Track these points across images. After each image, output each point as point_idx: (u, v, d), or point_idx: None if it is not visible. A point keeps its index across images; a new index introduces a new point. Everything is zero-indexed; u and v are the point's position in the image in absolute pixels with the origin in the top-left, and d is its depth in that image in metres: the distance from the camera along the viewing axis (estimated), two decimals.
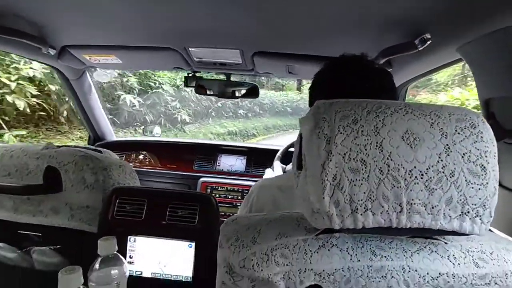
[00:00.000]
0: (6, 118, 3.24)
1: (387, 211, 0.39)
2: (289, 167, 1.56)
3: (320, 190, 0.38)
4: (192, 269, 0.75)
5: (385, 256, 0.44)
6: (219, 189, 1.75)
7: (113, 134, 1.98)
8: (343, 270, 0.43)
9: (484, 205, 0.39)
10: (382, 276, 0.43)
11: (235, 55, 1.20)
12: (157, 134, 2.15)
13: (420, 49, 0.80)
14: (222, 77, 1.52)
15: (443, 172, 0.38)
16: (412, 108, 0.40)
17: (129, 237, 0.78)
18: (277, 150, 1.71)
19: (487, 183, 0.39)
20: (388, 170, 0.38)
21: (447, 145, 0.38)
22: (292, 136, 2.05)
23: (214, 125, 7.96)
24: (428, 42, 0.79)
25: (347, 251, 0.44)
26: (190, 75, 1.49)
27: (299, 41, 1.07)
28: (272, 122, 9.79)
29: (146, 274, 0.77)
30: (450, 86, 4.70)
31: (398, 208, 0.39)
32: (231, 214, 1.62)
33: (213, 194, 1.71)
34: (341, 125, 0.39)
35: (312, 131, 0.40)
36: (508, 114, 0.70)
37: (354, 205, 0.39)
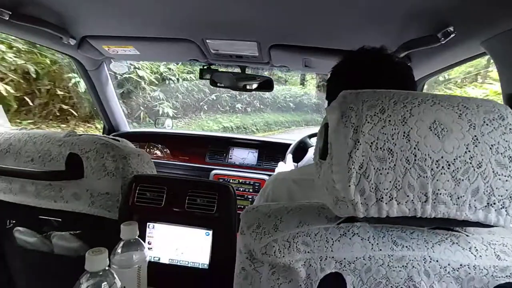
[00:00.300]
0: None
1: (412, 200, 0.39)
2: (300, 164, 1.57)
3: (346, 179, 0.39)
4: (209, 257, 0.76)
5: (406, 246, 0.44)
6: (231, 181, 1.76)
7: (127, 125, 2.01)
8: (364, 259, 0.44)
9: (510, 197, 0.39)
10: (403, 266, 0.44)
11: (252, 48, 1.20)
12: (169, 126, 2.17)
13: (442, 42, 0.79)
14: (237, 69, 1.52)
15: (471, 163, 0.38)
16: (439, 99, 0.40)
17: (148, 223, 0.79)
18: (289, 144, 1.72)
19: None
20: (415, 160, 0.38)
21: (475, 136, 0.38)
22: (295, 135, 2.05)
23: (206, 120, 7.43)
24: (452, 36, 0.78)
25: (368, 240, 0.44)
26: (205, 67, 1.50)
27: (317, 34, 1.06)
28: (274, 118, 9.24)
29: (164, 260, 0.79)
30: (459, 85, 4.61)
31: (423, 198, 0.39)
32: (242, 206, 1.63)
33: None
34: (368, 114, 0.39)
35: (339, 120, 0.40)
36: None
37: (379, 194, 0.39)
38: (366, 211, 0.40)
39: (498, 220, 0.39)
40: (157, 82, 5.83)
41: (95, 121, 4.28)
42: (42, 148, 0.85)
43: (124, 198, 0.78)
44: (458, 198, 0.39)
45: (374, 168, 0.38)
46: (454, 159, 0.38)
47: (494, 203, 0.39)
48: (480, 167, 0.38)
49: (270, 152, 1.88)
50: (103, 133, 1.96)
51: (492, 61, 0.76)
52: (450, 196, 0.39)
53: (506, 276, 0.44)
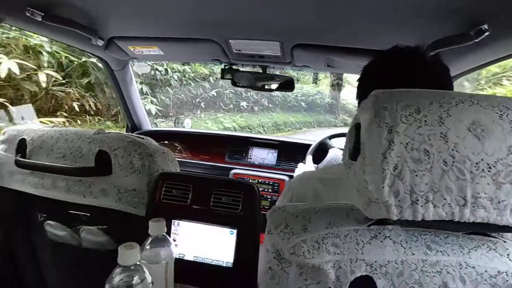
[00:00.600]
0: None
1: (449, 203, 0.38)
2: (320, 165, 1.56)
3: (380, 179, 0.38)
4: (233, 255, 0.77)
5: (441, 251, 0.43)
6: (250, 181, 1.76)
7: (149, 124, 2.06)
8: (396, 263, 0.43)
9: None
10: (437, 271, 0.42)
11: (274, 48, 1.20)
12: (188, 125, 2.20)
13: (476, 41, 0.76)
14: (257, 69, 1.52)
15: None
16: (478, 99, 0.38)
17: (173, 220, 0.81)
18: (309, 145, 1.71)
19: None
20: (453, 162, 0.37)
21: None
22: (307, 136, 2.04)
23: (205, 119, 6.68)
24: (485, 34, 0.75)
25: (400, 243, 0.43)
26: (227, 67, 1.51)
27: (341, 33, 1.05)
28: (283, 118, 8.61)
29: (188, 257, 0.80)
30: (483, 86, 4.43)
31: (461, 201, 0.37)
32: (262, 206, 1.64)
33: None
34: (403, 115, 0.38)
35: (372, 120, 0.40)
36: None
37: (415, 196, 0.38)
38: (400, 214, 0.39)
39: None
40: (139, 73, 4.84)
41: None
42: (73, 145, 0.88)
43: (150, 195, 0.80)
44: (499, 202, 0.37)
45: (409, 170, 0.37)
46: (495, 162, 0.36)
47: None
48: None
49: (290, 153, 1.88)
50: (126, 131, 2.01)
51: None
52: (490, 200, 0.37)
53: None
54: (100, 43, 1.21)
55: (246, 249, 0.76)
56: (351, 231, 0.45)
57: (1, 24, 0.95)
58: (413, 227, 0.44)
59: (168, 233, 0.81)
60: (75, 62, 3.80)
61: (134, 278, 0.52)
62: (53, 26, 0.98)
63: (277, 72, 1.56)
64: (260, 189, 1.73)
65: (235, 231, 0.77)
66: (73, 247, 0.94)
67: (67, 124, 3.49)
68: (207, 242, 0.78)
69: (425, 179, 0.37)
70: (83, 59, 3.84)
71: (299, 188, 0.74)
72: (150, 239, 0.65)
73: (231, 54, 1.32)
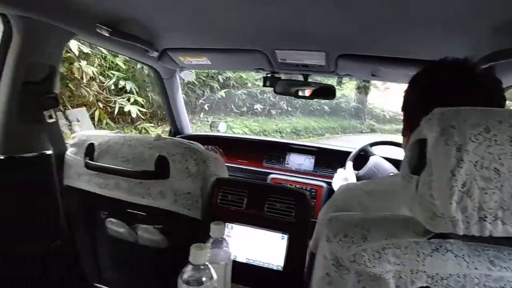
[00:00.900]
0: None
1: None
2: (360, 172, 1.55)
3: (447, 196, 0.39)
4: (283, 259, 0.80)
5: (505, 267, 0.43)
6: (288, 186, 1.79)
7: (189, 129, 2.15)
8: (458, 276, 0.44)
9: None
10: (501, 287, 0.43)
11: (319, 57, 1.23)
12: (223, 130, 2.26)
13: None
14: (300, 77, 1.55)
15: None
16: None
17: (227, 223, 0.85)
18: (347, 152, 1.71)
19: None
20: None
21: None
22: (333, 143, 2.02)
23: (208, 124, 5.60)
24: None
25: (463, 258, 0.44)
26: (269, 75, 1.55)
27: (388, 43, 1.05)
28: (304, 123, 8.00)
29: (240, 258, 0.84)
30: None
31: None
32: None
33: None
34: (472, 133, 0.39)
35: (438, 138, 0.41)
36: None
37: (483, 213, 0.39)
38: (467, 229, 0.40)
39: None
40: (124, 67, 4.22)
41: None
42: (136, 150, 0.96)
43: (208, 198, 0.85)
44: None
45: (479, 188, 0.38)
46: None
47: None
48: None
49: (327, 159, 1.88)
50: (169, 135, 2.12)
51: None
52: None
53: None
54: (155, 54, 1.30)
55: (296, 254, 0.79)
56: (411, 243, 0.46)
57: (73, 38, 1.07)
58: (475, 241, 0.44)
59: None
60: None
61: (203, 277, 0.57)
62: (117, 40, 1.08)
63: (318, 80, 1.57)
64: None
65: (286, 236, 0.80)
66: (130, 243, 1.03)
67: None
68: (259, 246, 0.82)
69: (494, 197, 0.38)
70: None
71: (344, 200, 0.75)
72: (211, 240, 0.70)
73: (276, 64, 1.36)
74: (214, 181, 0.86)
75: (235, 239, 0.85)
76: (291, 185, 1.79)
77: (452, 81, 0.63)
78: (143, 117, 4.45)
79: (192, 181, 0.90)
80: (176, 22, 1.08)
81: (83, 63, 3.42)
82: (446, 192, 0.39)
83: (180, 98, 1.91)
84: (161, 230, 0.99)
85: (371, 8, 0.78)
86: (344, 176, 1.41)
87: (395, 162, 1.55)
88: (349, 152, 1.70)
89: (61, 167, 1.08)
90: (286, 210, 0.80)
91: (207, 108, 6.00)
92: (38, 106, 1.02)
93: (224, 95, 6.13)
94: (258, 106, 7.11)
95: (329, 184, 1.79)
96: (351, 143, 1.67)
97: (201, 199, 0.91)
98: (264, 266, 0.82)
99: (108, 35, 1.04)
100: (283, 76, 1.56)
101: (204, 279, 0.57)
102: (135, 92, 4.25)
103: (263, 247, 0.82)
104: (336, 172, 1.53)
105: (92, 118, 3.63)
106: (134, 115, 4.14)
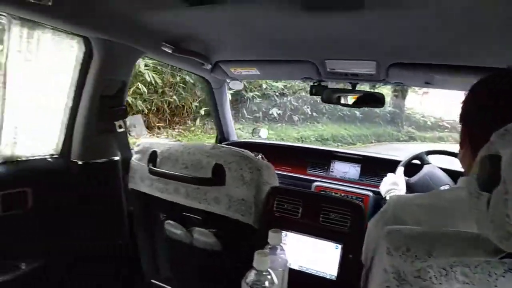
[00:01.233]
0: None
1: None
2: (412, 180, 1.49)
3: None
4: (337, 268, 0.81)
5: None
6: (333, 194, 1.77)
7: (235, 135, 2.23)
8: None
9: None
10: None
11: (370, 66, 1.22)
12: (264, 136, 2.28)
13: None
14: (347, 85, 1.54)
15: None
16: None
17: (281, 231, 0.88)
18: (395, 161, 1.65)
19: None
20: None
21: None
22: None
23: (208, 136, 4.68)
24: None
25: None
26: (316, 84, 1.56)
27: (444, 51, 1.02)
28: (331, 131, 7.05)
29: (294, 266, 0.86)
30: None
31: None
32: None
33: None
34: None
35: None
36: None
37: None
38: None
39: None
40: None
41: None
42: (194, 158, 1.03)
43: (263, 206, 0.89)
44: None
45: None
46: None
47: None
48: None
49: (374, 168, 1.82)
50: (215, 142, 2.21)
51: None
52: None
53: None
54: (208, 67, 1.39)
55: (350, 264, 0.79)
56: (482, 262, 0.45)
57: (142, 56, 1.19)
58: None
59: None
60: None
61: (266, 282, 0.61)
62: (178, 56, 1.18)
63: (367, 88, 1.55)
64: None
65: (340, 246, 0.81)
66: (186, 244, 1.09)
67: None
68: (312, 254, 0.84)
69: None
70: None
71: (396, 213, 0.74)
72: (269, 247, 0.74)
73: (324, 73, 1.37)
74: (270, 190, 0.90)
75: (289, 246, 0.87)
76: (336, 193, 1.77)
77: None
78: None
79: (246, 188, 0.94)
80: (230, 37, 1.14)
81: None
82: None
83: (228, 107, 1.99)
84: (215, 234, 1.05)
85: (431, 16, 0.77)
86: (394, 181, 1.35)
87: (451, 173, 1.47)
88: (397, 161, 1.64)
89: (127, 171, 1.19)
90: (341, 220, 0.81)
91: (202, 113, 4.87)
92: (111, 117, 1.14)
93: (230, 97, 5.31)
94: (274, 111, 6.16)
95: (376, 193, 1.73)
96: (389, 153, 1.59)
97: (254, 205, 0.95)
98: (317, 274, 0.83)
99: (171, 52, 1.13)
100: (330, 85, 1.56)
101: (266, 284, 0.60)
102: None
103: (317, 255, 0.84)
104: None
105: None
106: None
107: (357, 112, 7.57)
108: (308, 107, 7.00)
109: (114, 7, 0.91)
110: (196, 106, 4.84)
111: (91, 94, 1.07)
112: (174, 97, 4.54)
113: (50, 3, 0.75)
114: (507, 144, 0.42)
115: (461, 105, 0.70)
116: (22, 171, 1.02)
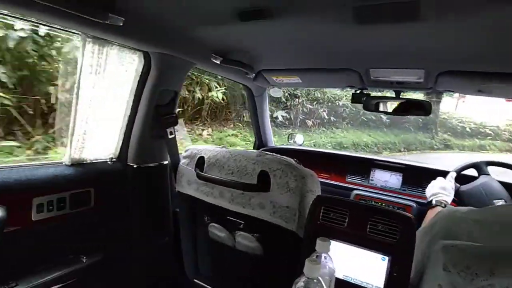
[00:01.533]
0: None
1: None
2: (463, 188, 1.42)
3: None
4: (384, 280, 0.80)
5: None
6: (373, 203, 1.73)
7: (272, 142, 2.25)
8: None
9: None
10: None
11: (417, 75, 1.19)
12: (300, 142, 2.26)
13: None
14: (390, 93, 1.51)
15: None
16: None
17: None
18: (441, 171, 1.58)
19: None
20: None
21: None
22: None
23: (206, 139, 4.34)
24: None
25: None
26: (358, 91, 1.55)
27: (497, 59, 0.97)
28: (353, 138, 6.26)
29: (338, 275, 0.87)
30: None
31: None
32: None
33: None
34: None
35: None
36: None
37: None
38: None
39: None
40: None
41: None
42: (240, 164, 1.07)
43: (309, 215, 0.91)
44: None
45: None
46: None
47: None
48: None
49: (416, 177, 1.76)
50: (253, 148, 2.25)
51: None
52: None
53: None
54: (251, 75, 1.44)
55: (399, 277, 0.78)
56: None
57: (193, 67, 1.27)
58: None
59: None
60: None
61: None
62: (225, 66, 1.24)
63: (412, 95, 1.51)
64: None
65: (387, 258, 0.80)
66: (229, 247, 1.14)
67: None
68: (358, 264, 0.84)
69: None
70: None
71: (447, 227, 0.72)
72: (316, 255, 0.75)
73: (368, 81, 1.36)
74: (316, 199, 0.91)
75: (333, 255, 0.88)
76: (376, 202, 1.73)
77: None
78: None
79: (290, 196, 0.97)
80: (276, 48, 1.18)
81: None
82: None
83: (267, 113, 2.03)
84: (258, 239, 1.08)
85: (486, 26, 0.75)
86: (443, 185, 1.28)
87: (508, 187, 1.38)
88: (444, 171, 1.57)
89: (175, 175, 1.27)
90: (389, 232, 0.80)
91: (191, 117, 4.26)
92: (163, 124, 1.23)
93: (222, 99, 4.24)
94: (279, 114, 5.31)
95: (419, 204, 1.67)
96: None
97: (298, 213, 0.97)
98: (362, 285, 0.83)
99: (219, 62, 1.20)
100: (373, 93, 1.54)
101: None
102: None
103: (362, 266, 0.83)
104: None
105: None
106: None
107: (383, 117, 6.84)
108: (325, 111, 6.39)
109: (175, 25, 0.99)
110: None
111: (148, 103, 1.16)
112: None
113: (121, 24, 0.84)
114: None
115: None
116: (87, 173, 1.13)
